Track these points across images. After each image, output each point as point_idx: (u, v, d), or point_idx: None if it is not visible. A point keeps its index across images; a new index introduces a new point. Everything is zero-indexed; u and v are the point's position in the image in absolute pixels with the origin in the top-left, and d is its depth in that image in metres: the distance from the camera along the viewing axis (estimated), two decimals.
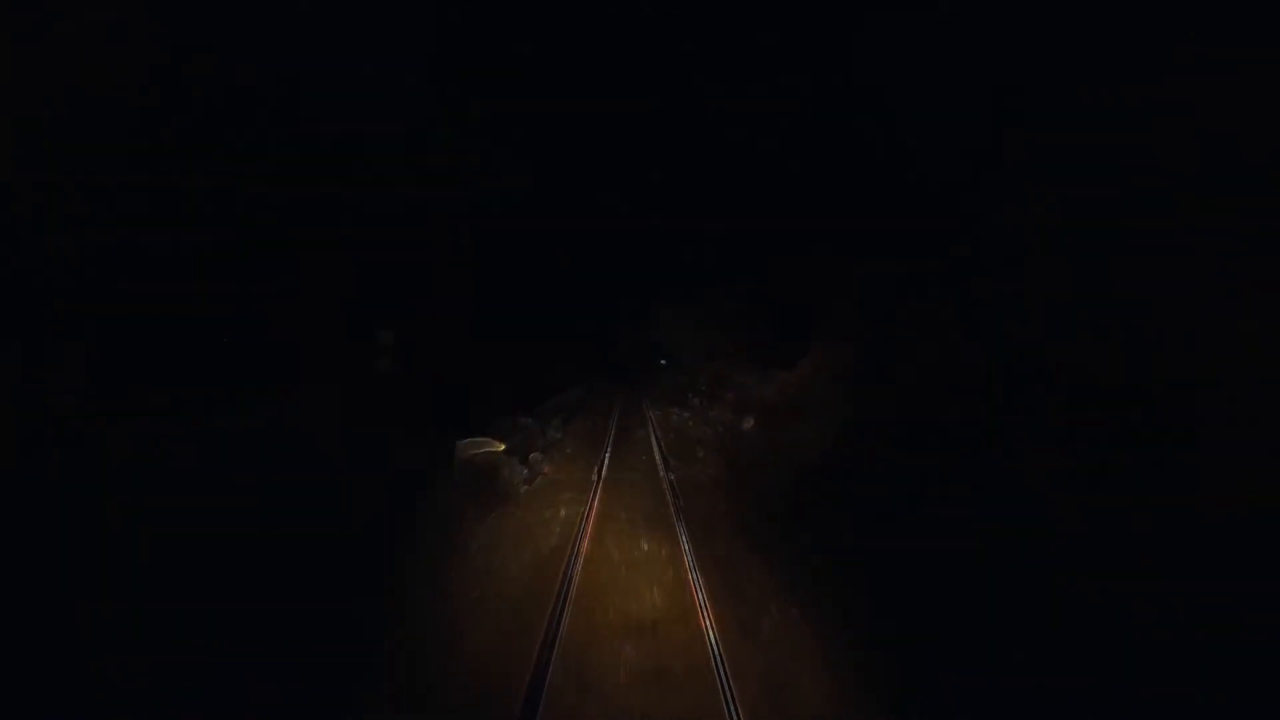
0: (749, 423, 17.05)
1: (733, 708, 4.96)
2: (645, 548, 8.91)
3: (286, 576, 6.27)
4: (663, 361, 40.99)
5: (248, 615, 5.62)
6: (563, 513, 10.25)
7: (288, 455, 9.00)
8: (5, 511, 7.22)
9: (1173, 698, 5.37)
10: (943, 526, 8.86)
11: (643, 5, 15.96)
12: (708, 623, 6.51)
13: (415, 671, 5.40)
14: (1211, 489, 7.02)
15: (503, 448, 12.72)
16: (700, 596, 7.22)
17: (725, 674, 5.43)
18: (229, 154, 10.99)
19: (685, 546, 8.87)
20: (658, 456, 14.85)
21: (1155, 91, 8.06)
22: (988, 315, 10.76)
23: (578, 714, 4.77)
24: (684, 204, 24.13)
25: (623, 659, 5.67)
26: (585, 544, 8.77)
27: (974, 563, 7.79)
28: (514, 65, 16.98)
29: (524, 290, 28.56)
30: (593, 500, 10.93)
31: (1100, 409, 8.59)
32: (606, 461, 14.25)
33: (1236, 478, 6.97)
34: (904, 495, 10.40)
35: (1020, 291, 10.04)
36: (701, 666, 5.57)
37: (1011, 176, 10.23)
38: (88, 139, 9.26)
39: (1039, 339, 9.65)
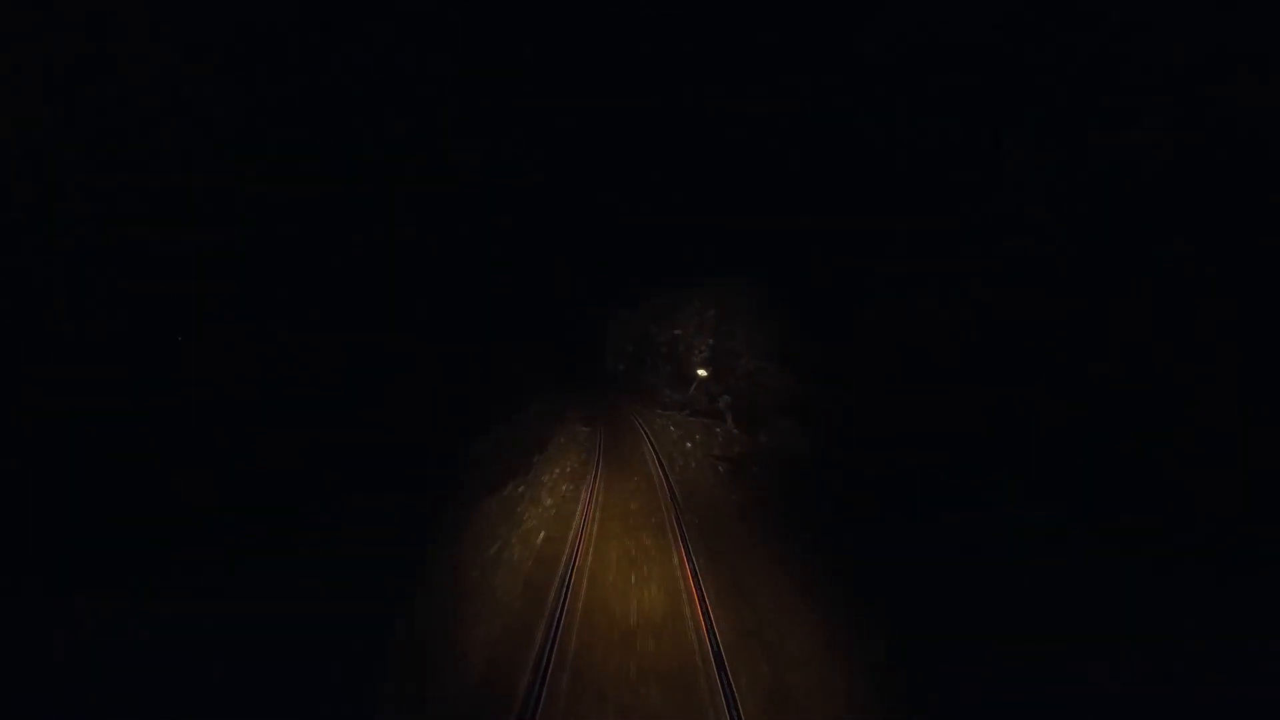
0: None
1: None
2: None
3: None
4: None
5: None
6: None
7: None
8: None
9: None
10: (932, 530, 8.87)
11: (643, 5, 15.95)
12: None
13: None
14: (1196, 496, 7.03)
15: None
16: None
17: None
18: (233, 156, 10.98)
19: None
20: None
21: (1156, 92, 8.04)
22: (987, 316, 10.74)
23: None
24: (684, 204, 24.08)
25: None
26: None
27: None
28: (514, 66, 16.96)
29: (524, 296, 28.53)
30: None
31: (1095, 417, 8.57)
32: None
33: (1214, 483, 6.98)
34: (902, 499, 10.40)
35: (1016, 294, 10.02)
36: None
37: (1012, 177, 10.20)
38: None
39: (1034, 340, 9.63)
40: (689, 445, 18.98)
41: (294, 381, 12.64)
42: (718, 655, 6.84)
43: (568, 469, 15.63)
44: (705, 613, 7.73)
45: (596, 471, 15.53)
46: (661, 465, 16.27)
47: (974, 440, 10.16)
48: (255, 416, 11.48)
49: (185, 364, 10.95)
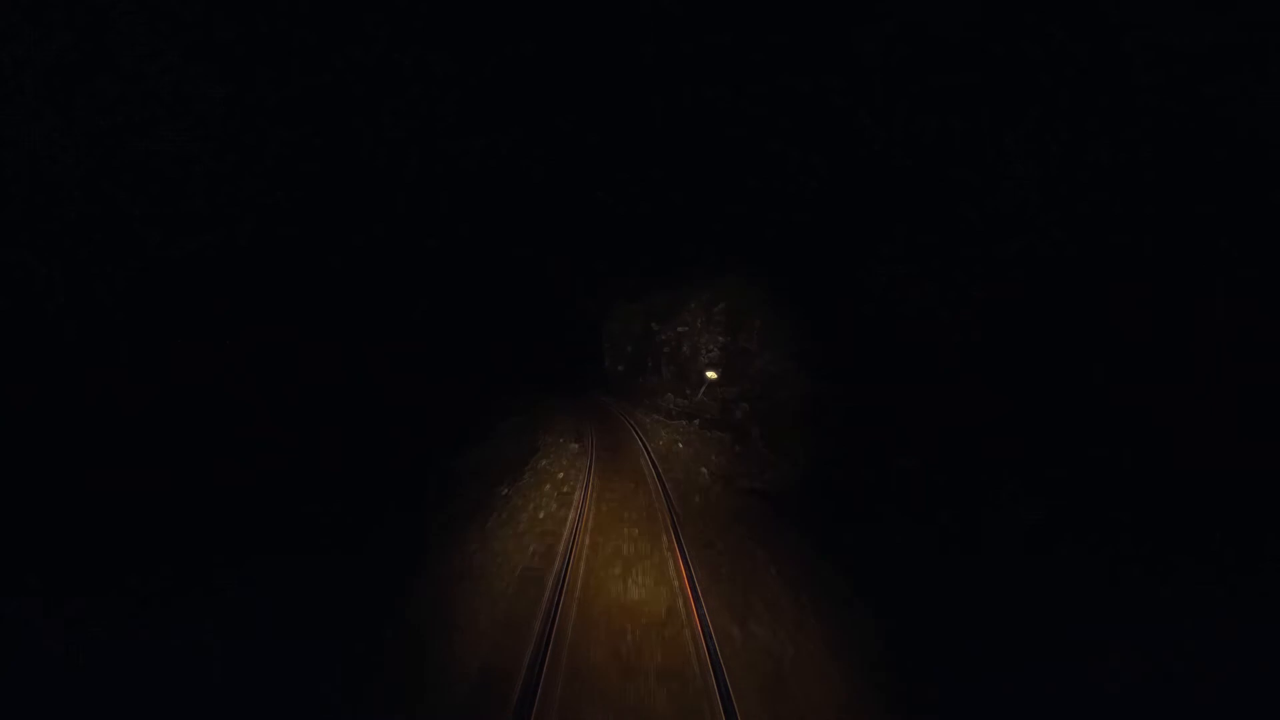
0: None
1: None
2: None
3: None
4: None
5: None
6: None
7: None
8: None
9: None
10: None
11: (642, 5, 15.95)
12: None
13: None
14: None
15: None
16: None
17: None
18: (233, 156, 10.97)
19: None
20: None
21: (1156, 92, 8.04)
22: (982, 316, 10.75)
23: None
24: (684, 203, 24.05)
25: None
26: None
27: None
28: (514, 65, 16.95)
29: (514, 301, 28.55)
30: None
31: (1095, 416, 8.58)
32: None
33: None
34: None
35: (1017, 294, 10.02)
36: None
37: (1012, 177, 10.21)
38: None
39: (1034, 340, 9.64)
40: (704, 471, 14.31)
41: (293, 381, 12.65)
42: None
43: (541, 514, 11.00)
44: None
45: (585, 510, 11.21)
46: (669, 502, 11.50)
47: (974, 440, 10.17)
48: (255, 416, 11.49)
49: (184, 364, 10.96)
